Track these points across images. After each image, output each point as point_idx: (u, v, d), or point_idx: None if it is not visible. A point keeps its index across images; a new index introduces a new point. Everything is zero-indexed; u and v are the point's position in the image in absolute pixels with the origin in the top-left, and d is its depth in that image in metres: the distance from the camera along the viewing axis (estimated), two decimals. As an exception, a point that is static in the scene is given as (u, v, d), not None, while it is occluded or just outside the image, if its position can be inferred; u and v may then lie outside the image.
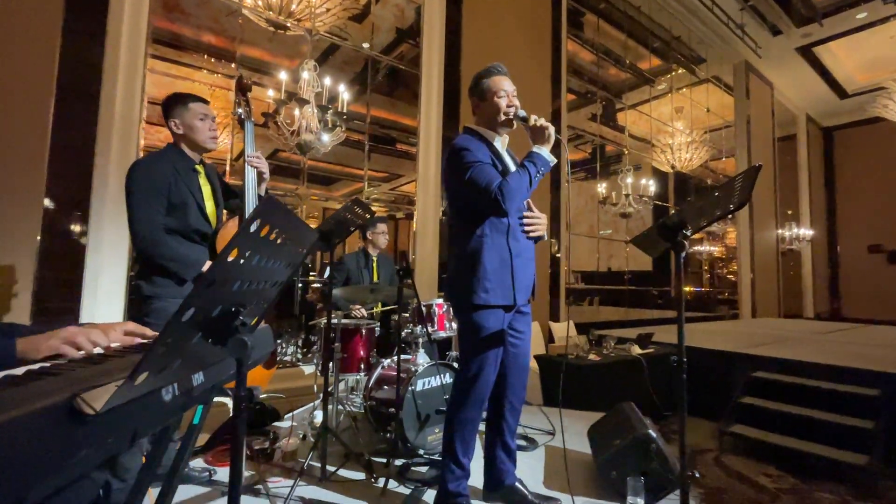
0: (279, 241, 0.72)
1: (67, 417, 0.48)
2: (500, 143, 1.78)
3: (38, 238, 2.44)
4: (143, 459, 1.13)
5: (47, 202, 2.47)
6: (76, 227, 2.58)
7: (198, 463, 2.07)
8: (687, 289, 9.03)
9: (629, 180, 5.88)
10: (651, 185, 6.19)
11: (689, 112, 8.18)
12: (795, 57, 8.54)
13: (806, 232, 9.91)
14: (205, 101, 1.87)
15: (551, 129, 1.63)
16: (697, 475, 1.11)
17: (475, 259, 1.62)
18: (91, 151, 2.63)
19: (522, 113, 1.66)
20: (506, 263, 1.64)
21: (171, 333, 0.54)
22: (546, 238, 1.78)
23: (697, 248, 9.36)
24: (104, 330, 0.83)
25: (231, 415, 2.20)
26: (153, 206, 1.68)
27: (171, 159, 1.79)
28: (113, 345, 0.84)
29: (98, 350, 0.78)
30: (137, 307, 1.76)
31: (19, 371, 0.64)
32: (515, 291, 1.65)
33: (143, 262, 1.73)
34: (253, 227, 0.59)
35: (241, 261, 0.61)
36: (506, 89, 1.70)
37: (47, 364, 0.70)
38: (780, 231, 9.62)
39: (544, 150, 1.61)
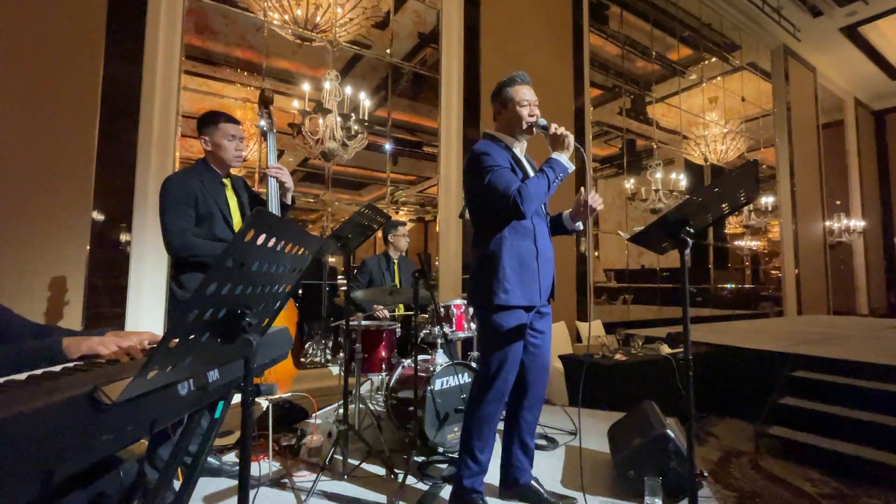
0: (278, 248, 0.78)
1: (89, 406, 0.56)
2: (520, 149, 1.82)
3: (88, 248, 2.65)
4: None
5: (95, 215, 2.68)
6: (121, 238, 2.78)
7: (230, 458, 2.19)
8: (728, 286, 8.67)
9: (658, 175, 5.71)
10: (682, 180, 5.99)
11: (722, 102, 7.85)
12: (839, 38, 8.05)
13: (857, 223, 9.29)
14: (236, 122, 1.97)
15: (570, 138, 1.68)
16: (706, 474, 1.10)
17: (495, 260, 1.66)
18: (132, 166, 2.83)
19: (543, 122, 1.72)
20: (525, 265, 1.67)
21: (175, 333, 0.61)
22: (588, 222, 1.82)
23: (738, 243, 8.97)
24: (131, 336, 0.93)
25: (260, 411, 2.31)
26: (183, 217, 1.80)
27: (199, 173, 1.91)
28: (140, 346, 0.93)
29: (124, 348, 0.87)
30: (174, 310, 1.90)
31: (57, 368, 0.73)
32: (534, 292, 1.68)
33: (175, 266, 1.88)
34: (246, 237, 0.65)
35: (241, 266, 0.67)
36: (528, 98, 1.75)
37: (81, 362, 0.80)
38: (827, 223, 9.07)
39: (563, 157, 1.66)
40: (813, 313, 8.28)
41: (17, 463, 0.46)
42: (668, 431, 1.74)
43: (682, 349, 3.79)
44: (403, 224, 3.37)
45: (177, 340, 0.62)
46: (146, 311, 2.86)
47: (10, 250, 2.43)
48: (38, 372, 0.68)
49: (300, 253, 0.91)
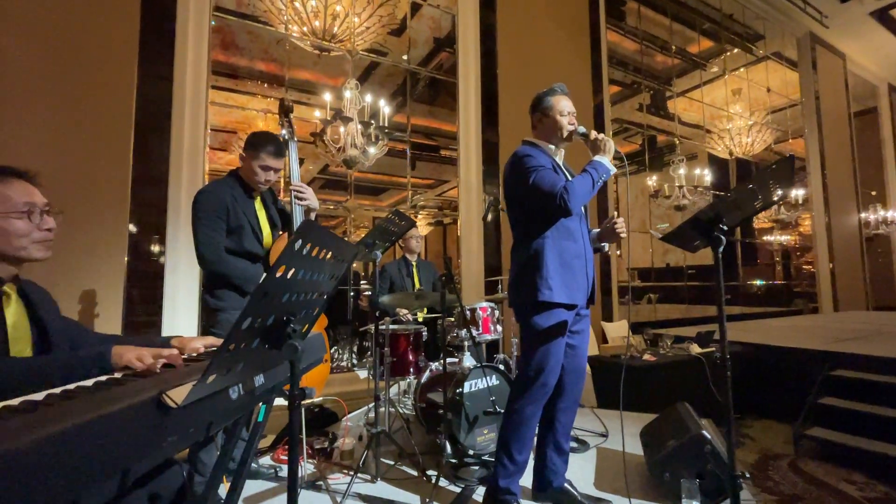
0: (321, 256, 0.81)
1: (156, 410, 0.59)
2: (559, 157, 1.88)
3: (126, 260, 2.76)
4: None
5: (132, 227, 2.80)
6: (156, 249, 2.89)
7: (266, 461, 2.25)
8: (758, 282, 8.41)
9: (682, 171, 5.60)
10: (707, 175, 5.86)
11: (747, 94, 7.64)
12: (869, 22, 7.74)
13: (895, 214, 8.90)
14: (279, 156, 1.92)
15: (610, 143, 1.75)
16: (748, 476, 1.07)
17: (538, 259, 1.69)
18: (165, 180, 2.94)
19: (582, 129, 1.78)
20: (567, 264, 1.71)
21: (232, 340, 0.64)
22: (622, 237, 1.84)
23: (767, 237, 8.70)
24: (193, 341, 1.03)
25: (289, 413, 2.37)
26: (214, 230, 1.83)
27: (230, 186, 1.93)
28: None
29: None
30: (207, 319, 1.94)
31: (118, 374, 0.78)
32: (576, 291, 1.71)
33: (208, 278, 1.91)
34: (296, 247, 0.68)
35: (288, 276, 0.70)
36: (568, 109, 1.83)
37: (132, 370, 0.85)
38: (863, 215, 8.71)
39: (605, 159, 1.72)
40: (850, 309, 7.95)
41: (101, 463, 0.49)
42: (705, 433, 1.71)
43: (712, 349, 3.72)
44: (414, 225, 3.40)
45: (232, 346, 0.65)
46: (180, 320, 2.96)
47: (53, 263, 2.54)
48: (104, 378, 0.72)
49: (338, 260, 0.94)
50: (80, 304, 2.64)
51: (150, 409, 0.59)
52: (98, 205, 2.72)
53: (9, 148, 2.49)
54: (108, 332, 2.67)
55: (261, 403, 1.10)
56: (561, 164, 1.87)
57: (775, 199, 1.17)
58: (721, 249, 1.13)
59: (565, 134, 1.80)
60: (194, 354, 1.04)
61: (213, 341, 1.13)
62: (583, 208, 1.84)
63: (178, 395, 0.62)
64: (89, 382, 0.71)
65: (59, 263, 2.56)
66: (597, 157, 1.73)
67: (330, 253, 0.86)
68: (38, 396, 0.61)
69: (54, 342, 1.01)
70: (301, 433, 2.12)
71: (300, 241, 0.68)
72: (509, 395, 1.78)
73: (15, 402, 0.59)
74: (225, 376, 0.68)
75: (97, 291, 2.68)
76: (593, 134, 1.77)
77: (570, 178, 1.80)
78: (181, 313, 2.97)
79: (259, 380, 0.92)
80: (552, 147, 1.85)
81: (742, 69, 7.71)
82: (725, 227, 1.11)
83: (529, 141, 1.89)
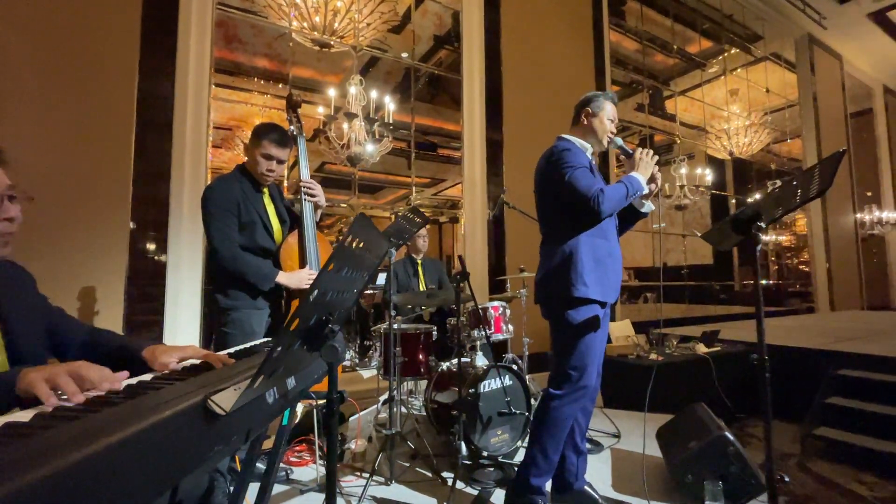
0: (360, 252, 0.77)
1: (203, 417, 0.55)
2: (594, 158, 1.88)
3: (127, 258, 2.69)
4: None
5: (132, 225, 2.73)
6: (157, 247, 2.82)
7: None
8: (751, 282, 8.43)
9: (683, 170, 5.60)
10: (708, 174, 5.86)
11: (745, 94, 7.68)
12: (867, 24, 7.80)
13: (890, 215, 8.98)
14: (282, 146, 1.88)
15: (656, 170, 1.77)
16: (787, 479, 1.05)
17: (573, 255, 1.67)
18: (167, 177, 2.87)
19: (620, 141, 1.82)
20: (600, 261, 1.69)
21: (283, 342, 0.60)
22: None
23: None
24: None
25: (306, 416, 2.31)
26: (228, 226, 1.80)
27: (238, 181, 1.89)
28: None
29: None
30: (216, 318, 1.88)
31: (148, 377, 0.73)
32: (608, 289, 1.70)
33: (220, 276, 1.85)
34: (347, 242, 0.64)
35: (340, 272, 0.66)
36: (615, 118, 1.84)
37: (164, 373, 0.80)
38: (858, 215, 8.79)
39: (641, 178, 1.72)
40: (846, 309, 8.01)
41: (154, 478, 0.45)
42: (728, 434, 1.69)
43: (718, 348, 3.71)
44: (428, 223, 3.36)
45: (279, 349, 0.61)
46: (182, 319, 2.90)
47: (54, 261, 2.48)
48: (148, 377, 0.68)
49: (374, 257, 0.90)
50: (80, 301, 2.57)
51: (198, 416, 0.54)
52: (99, 201, 2.65)
53: (9, 144, 2.41)
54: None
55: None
56: (594, 165, 1.85)
57: (812, 196, 1.15)
58: (759, 247, 1.10)
59: (606, 141, 1.82)
60: (166, 371, 0.86)
61: (193, 353, 0.92)
62: None
63: (222, 400, 0.58)
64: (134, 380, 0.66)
65: (60, 260, 2.49)
66: (634, 173, 1.72)
67: (368, 249, 0.82)
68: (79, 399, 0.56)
69: (23, 344, 0.89)
70: (314, 435, 2.07)
71: (351, 236, 0.64)
72: (545, 393, 1.72)
73: (48, 407, 0.54)
74: (270, 380, 0.64)
75: (97, 289, 2.61)
76: (639, 152, 1.77)
77: (601, 179, 1.78)
78: (183, 312, 2.91)
79: (291, 382, 0.87)
80: (589, 147, 1.84)
81: (741, 69, 7.75)
82: (763, 224, 1.08)
83: (566, 138, 1.86)
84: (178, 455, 0.50)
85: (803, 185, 1.06)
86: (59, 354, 0.98)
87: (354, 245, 0.68)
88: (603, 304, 1.70)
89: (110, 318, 2.63)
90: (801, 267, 8.71)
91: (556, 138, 1.87)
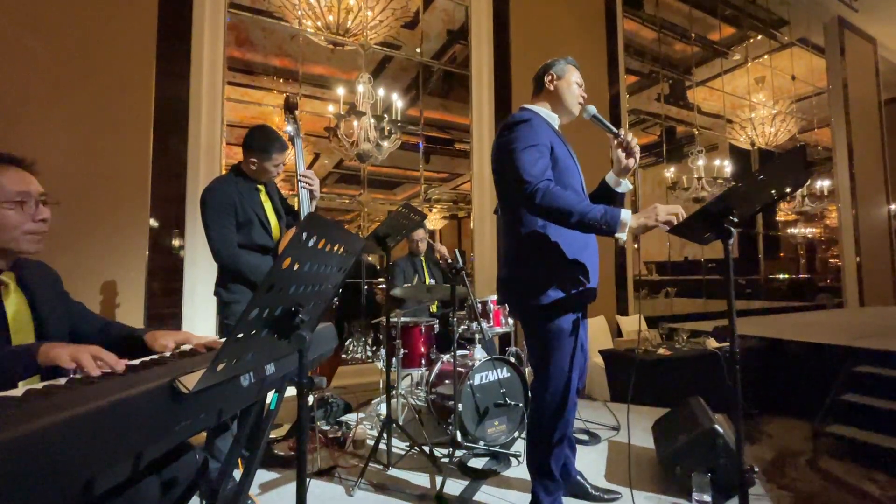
0: (327, 249, 0.83)
1: (170, 395, 0.62)
2: (558, 126, 1.66)
3: (147, 254, 2.85)
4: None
5: (153, 222, 2.88)
6: (176, 243, 2.96)
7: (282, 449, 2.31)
8: (782, 276, 8.19)
9: (700, 162, 5.47)
10: (727, 166, 5.71)
11: (771, 82, 7.40)
12: (903, 4, 7.40)
13: (926, 206, 8.55)
14: (283, 150, 1.96)
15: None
16: (756, 470, 1.06)
17: (542, 250, 1.45)
18: (184, 175, 3.01)
19: (593, 110, 1.58)
20: (577, 253, 1.48)
21: (240, 330, 0.67)
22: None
23: (791, 230, 8.46)
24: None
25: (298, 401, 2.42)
26: (226, 225, 1.87)
27: (234, 182, 1.95)
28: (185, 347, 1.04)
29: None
30: (221, 311, 2.00)
31: (136, 361, 0.82)
32: (587, 287, 1.50)
33: (221, 272, 1.95)
34: (301, 239, 0.70)
35: (294, 268, 0.72)
36: (580, 83, 1.64)
37: (156, 356, 0.88)
38: (892, 207, 8.40)
39: (629, 219, 1.30)
40: (878, 304, 7.69)
41: (117, 445, 0.52)
42: (717, 427, 1.69)
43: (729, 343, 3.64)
44: (422, 227, 3.39)
45: (240, 336, 0.68)
46: (200, 312, 3.04)
47: (79, 257, 2.65)
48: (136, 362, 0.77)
49: (346, 253, 0.96)
50: (102, 294, 2.73)
51: (164, 394, 0.62)
52: (120, 201, 2.80)
53: (35, 146, 2.58)
54: (130, 324, 2.79)
55: (273, 391, 1.13)
56: (562, 139, 1.60)
57: (789, 189, 1.14)
58: (731, 241, 1.11)
59: (576, 108, 1.58)
60: (167, 354, 0.96)
61: (186, 338, 1.06)
62: (583, 187, 1.61)
63: (190, 381, 0.65)
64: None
65: (82, 255, 2.65)
66: (623, 215, 1.30)
67: (337, 246, 0.88)
68: (62, 382, 0.65)
69: (52, 332, 1.01)
70: (315, 422, 2.17)
71: (305, 234, 0.70)
72: (533, 417, 1.55)
73: (38, 385, 0.63)
74: (235, 364, 0.71)
75: (117, 283, 2.77)
76: (622, 133, 1.48)
77: (569, 155, 1.57)
78: (200, 306, 3.05)
79: (270, 368, 0.95)
80: (556, 117, 1.62)
81: (766, 56, 7.47)
82: (735, 220, 1.09)
83: (529, 107, 1.61)
84: (142, 428, 0.58)
85: (772, 180, 1.06)
86: (77, 342, 1.10)
87: (313, 242, 0.74)
88: (581, 303, 1.51)
89: (132, 311, 2.78)
90: (832, 261, 8.39)
91: (520, 108, 1.63)
